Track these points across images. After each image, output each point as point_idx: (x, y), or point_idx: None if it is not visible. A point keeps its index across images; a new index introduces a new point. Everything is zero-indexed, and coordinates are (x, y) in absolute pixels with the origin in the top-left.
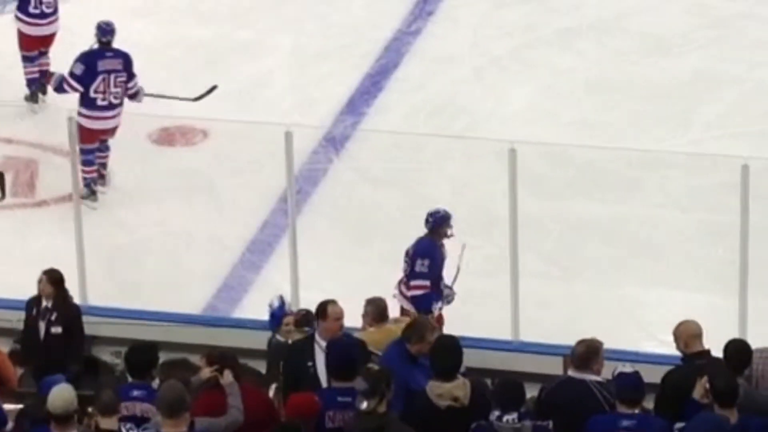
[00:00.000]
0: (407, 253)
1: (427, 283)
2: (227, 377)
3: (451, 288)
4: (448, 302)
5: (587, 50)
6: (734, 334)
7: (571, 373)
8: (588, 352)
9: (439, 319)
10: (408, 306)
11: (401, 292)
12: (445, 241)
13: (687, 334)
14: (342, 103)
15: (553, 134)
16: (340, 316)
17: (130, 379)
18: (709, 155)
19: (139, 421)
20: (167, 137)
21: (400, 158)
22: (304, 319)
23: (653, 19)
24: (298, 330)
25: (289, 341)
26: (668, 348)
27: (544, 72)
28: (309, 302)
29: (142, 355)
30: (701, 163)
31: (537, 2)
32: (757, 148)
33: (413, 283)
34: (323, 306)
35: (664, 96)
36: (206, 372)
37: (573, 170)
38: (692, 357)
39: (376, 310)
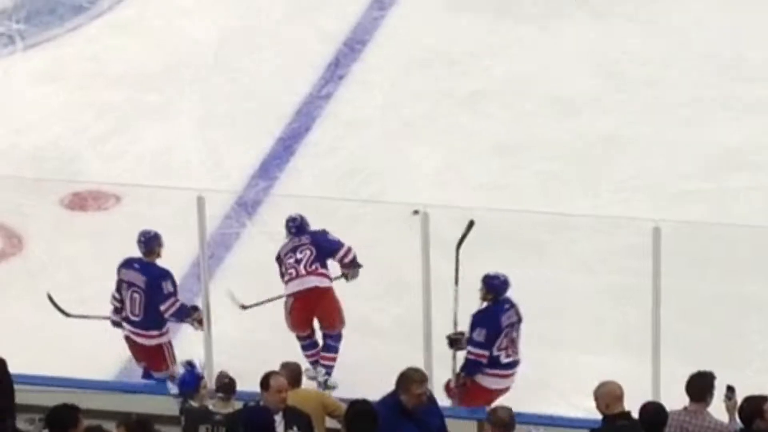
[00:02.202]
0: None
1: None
2: None
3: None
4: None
5: (496, 113)
6: (647, 397)
7: None
8: (509, 417)
9: None
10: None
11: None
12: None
13: (609, 395)
14: (254, 168)
15: (462, 197)
16: (282, 388)
17: None
18: (616, 217)
19: None
20: (79, 202)
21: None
22: (227, 386)
23: (562, 81)
24: (220, 398)
25: (210, 407)
26: (583, 412)
27: (453, 135)
28: (223, 367)
29: (63, 416)
30: (608, 225)
31: (446, 66)
32: (663, 210)
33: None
34: (266, 378)
35: (572, 158)
36: None
37: (481, 233)
38: (614, 418)
39: (290, 374)
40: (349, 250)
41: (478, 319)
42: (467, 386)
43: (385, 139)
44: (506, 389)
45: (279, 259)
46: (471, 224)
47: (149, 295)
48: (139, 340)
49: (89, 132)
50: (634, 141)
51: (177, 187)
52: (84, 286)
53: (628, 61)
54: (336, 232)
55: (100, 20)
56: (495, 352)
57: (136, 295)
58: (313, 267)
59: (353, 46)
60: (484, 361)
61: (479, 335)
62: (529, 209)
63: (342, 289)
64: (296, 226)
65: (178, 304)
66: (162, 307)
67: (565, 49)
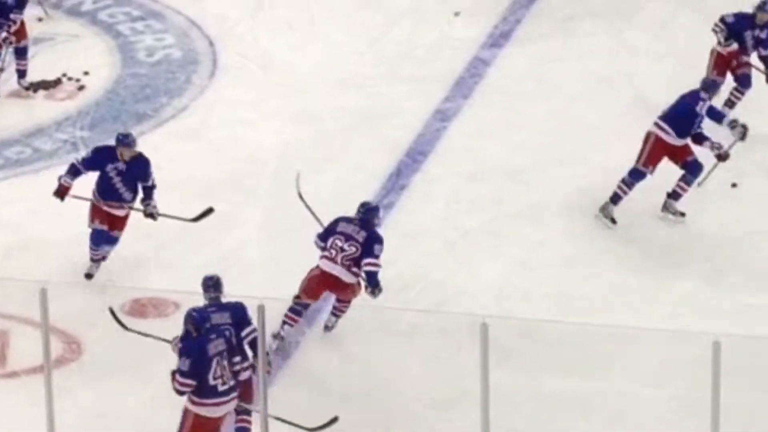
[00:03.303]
0: (350, 237)
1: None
2: None
3: None
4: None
5: (558, 223)
6: None
7: None
8: None
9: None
10: (352, 280)
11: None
12: None
13: None
14: None
15: (524, 308)
16: None
17: None
18: (680, 331)
19: None
20: (139, 309)
21: (373, 332)
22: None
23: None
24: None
25: None
26: None
27: (515, 246)
28: None
29: None
30: (674, 338)
31: (508, 176)
32: (728, 324)
33: (374, 261)
34: None
35: (635, 269)
36: None
37: (543, 345)
38: None
39: None
40: (376, 268)
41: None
42: None
43: (445, 250)
44: None
45: (335, 223)
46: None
47: None
48: None
49: (152, 239)
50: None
51: (238, 295)
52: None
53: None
54: (397, 343)
55: (163, 128)
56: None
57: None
58: (348, 264)
59: (415, 156)
60: None
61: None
62: (591, 322)
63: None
64: (366, 219)
65: None
66: None
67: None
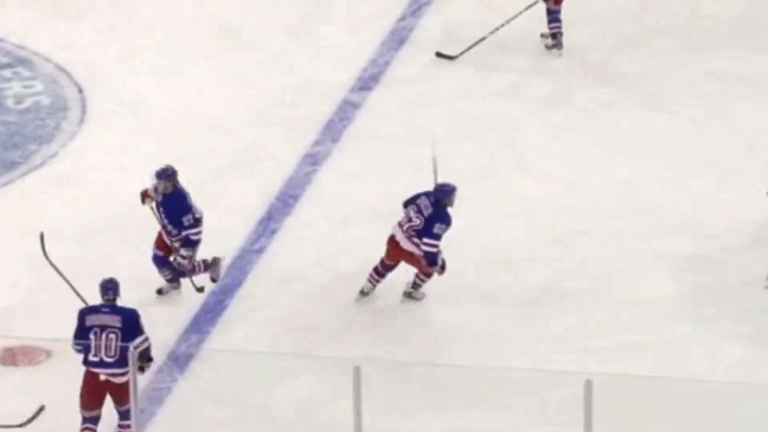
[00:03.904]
0: (419, 210)
1: (440, 243)
2: None
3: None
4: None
5: None
6: None
7: None
8: None
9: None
10: (413, 249)
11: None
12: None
13: None
14: (186, 322)
15: (399, 350)
16: None
17: None
18: (554, 371)
19: None
20: (10, 357)
21: (244, 377)
22: None
23: (497, 236)
24: None
25: None
26: None
27: (388, 288)
28: None
29: None
30: (548, 378)
31: (379, 220)
32: (602, 364)
33: (430, 241)
34: None
35: (510, 310)
36: None
37: (418, 386)
38: None
39: None
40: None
41: None
42: None
43: (318, 294)
44: None
45: (418, 195)
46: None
47: None
48: None
49: (20, 286)
50: (571, 294)
51: (111, 365)
52: None
53: (564, 217)
54: (269, 387)
55: (32, 175)
56: None
57: None
58: (411, 234)
59: (286, 200)
60: None
61: None
62: (466, 364)
63: None
64: (439, 198)
65: None
66: None
67: (502, 204)
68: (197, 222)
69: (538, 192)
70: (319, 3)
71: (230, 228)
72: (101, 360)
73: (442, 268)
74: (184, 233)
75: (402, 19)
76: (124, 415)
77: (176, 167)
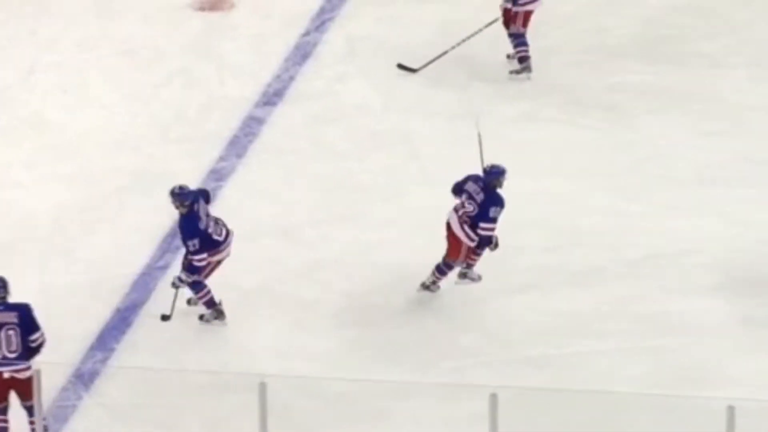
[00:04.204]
0: (470, 196)
1: (495, 226)
2: None
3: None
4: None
5: (336, 282)
6: None
7: None
8: None
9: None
10: (463, 238)
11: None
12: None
13: None
14: (91, 339)
15: (304, 366)
16: None
17: None
18: (460, 385)
19: None
20: None
21: (150, 394)
22: None
23: (399, 251)
24: None
25: None
26: None
27: (291, 305)
28: None
29: None
30: (454, 392)
31: (284, 235)
32: (507, 377)
33: (487, 225)
34: None
35: (416, 325)
36: None
37: (323, 401)
38: None
39: None
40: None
41: None
42: None
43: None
44: None
45: (465, 181)
46: None
47: None
48: None
49: None
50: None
51: (14, 361)
52: None
53: None
54: (175, 404)
55: None
56: None
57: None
58: (466, 220)
59: None
60: None
61: None
62: (370, 378)
63: None
64: (488, 181)
65: None
66: None
67: (405, 219)
68: (204, 248)
69: (442, 207)
70: (223, 18)
71: (135, 244)
72: (4, 357)
73: (496, 245)
74: (188, 257)
75: (306, 34)
76: (30, 411)
77: (80, 184)
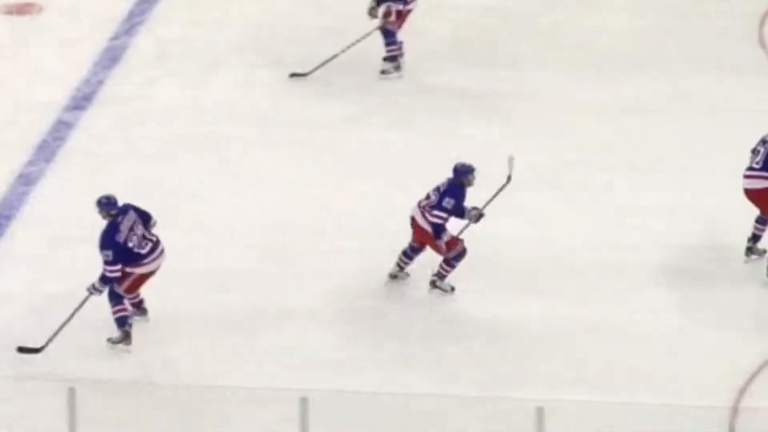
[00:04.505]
0: (438, 188)
1: (446, 216)
2: None
3: (477, 208)
4: (476, 221)
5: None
6: None
7: None
8: None
9: (452, 242)
10: (426, 226)
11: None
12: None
13: None
14: None
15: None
16: None
17: None
18: (268, 389)
19: None
20: None
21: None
22: None
23: (210, 256)
24: None
25: None
26: None
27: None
28: None
29: None
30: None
31: (94, 240)
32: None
33: (437, 212)
34: None
35: (226, 327)
36: None
37: (133, 402)
38: None
39: None
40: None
41: None
42: None
43: (30, 315)
44: None
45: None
46: None
47: None
48: None
49: None
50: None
51: None
52: None
53: (281, 235)
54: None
55: None
56: None
57: None
58: (426, 209)
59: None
60: None
61: None
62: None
63: None
64: (453, 177)
65: None
66: None
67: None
68: (118, 260)
69: (253, 211)
70: (30, 22)
71: None
72: None
73: (478, 217)
74: (103, 267)
75: (115, 37)
76: None
77: None
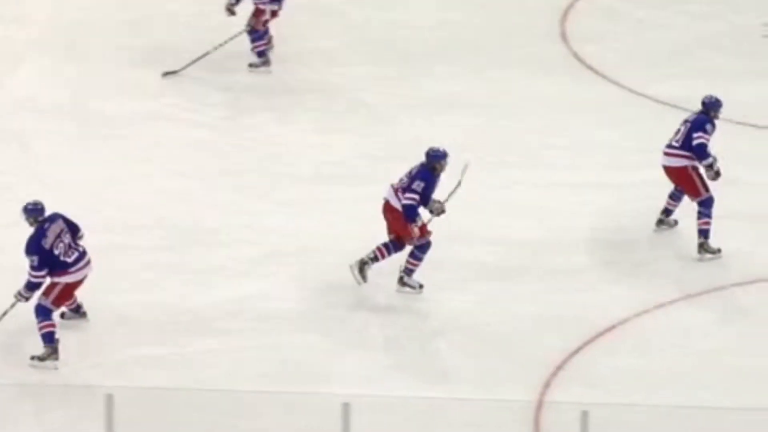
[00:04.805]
0: (410, 172)
1: (417, 197)
2: None
3: (441, 202)
4: (438, 214)
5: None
6: None
7: None
8: None
9: (423, 229)
10: (394, 201)
11: (397, 194)
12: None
13: None
14: None
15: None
16: None
17: None
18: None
19: None
20: None
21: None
22: None
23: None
24: None
25: None
26: None
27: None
28: None
29: None
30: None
31: None
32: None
33: (408, 194)
34: None
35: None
36: None
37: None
38: None
39: None
40: (409, 201)
41: None
42: None
43: None
44: None
45: None
46: None
47: None
48: None
49: None
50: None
51: None
52: None
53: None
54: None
55: None
56: None
57: None
58: (400, 190)
59: None
60: None
61: None
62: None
63: None
64: (426, 158)
65: None
66: None
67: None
68: (43, 266)
69: (56, 205)
70: None
71: None
72: None
73: (440, 212)
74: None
75: None
76: None
77: None
